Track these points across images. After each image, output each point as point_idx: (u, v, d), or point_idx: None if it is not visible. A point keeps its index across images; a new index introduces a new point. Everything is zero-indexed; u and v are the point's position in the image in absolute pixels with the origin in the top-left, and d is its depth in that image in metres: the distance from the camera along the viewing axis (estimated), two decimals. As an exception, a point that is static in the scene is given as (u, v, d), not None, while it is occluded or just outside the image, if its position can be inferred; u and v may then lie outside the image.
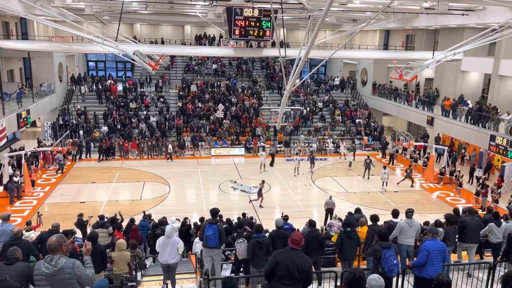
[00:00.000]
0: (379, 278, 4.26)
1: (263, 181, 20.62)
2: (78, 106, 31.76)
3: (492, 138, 22.45)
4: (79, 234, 13.28)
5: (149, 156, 28.17)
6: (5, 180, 20.78)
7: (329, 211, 17.73)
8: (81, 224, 14.37)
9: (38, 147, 25.48)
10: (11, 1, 19.04)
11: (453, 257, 9.69)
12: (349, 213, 13.15)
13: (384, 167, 23.50)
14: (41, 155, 25.45)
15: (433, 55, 20.87)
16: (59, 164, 24.45)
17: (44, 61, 30.64)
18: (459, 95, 27.75)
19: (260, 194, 19.99)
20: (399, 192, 22.63)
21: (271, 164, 27.00)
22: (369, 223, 9.78)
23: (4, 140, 23.79)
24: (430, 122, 28.21)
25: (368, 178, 24.50)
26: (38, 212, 16.28)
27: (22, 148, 24.16)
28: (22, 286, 4.95)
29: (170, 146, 27.81)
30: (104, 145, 27.38)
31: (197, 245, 10.58)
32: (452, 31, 28.06)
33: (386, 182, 22.73)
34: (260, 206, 19.80)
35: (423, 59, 22.09)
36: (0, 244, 8.15)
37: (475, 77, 28.97)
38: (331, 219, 16.86)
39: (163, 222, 13.48)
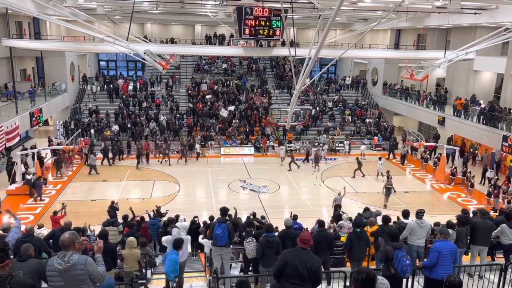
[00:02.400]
0: (383, 279, 4.26)
1: (389, 178, 20.95)
2: (89, 105, 32.06)
3: (505, 138, 22.17)
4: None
5: (165, 155, 26.99)
6: (18, 177, 21.08)
7: (337, 207, 17.92)
8: (114, 210, 15.61)
9: (48, 146, 25.76)
10: (24, 1, 19.30)
11: (465, 259, 9.60)
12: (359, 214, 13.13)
13: (380, 158, 24.97)
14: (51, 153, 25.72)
15: (444, 54, 20.70)
16: (90, 165, 24.40)
17: (57, 61, 30.97)
18: (471, 95, 27.45)
19: (388, 192, 20.32)
20: (410, 193, 22.47)
21: (306, 160, 27.34)
22: (380, 223, 9.72)
23: (17, 139, 24.11)
24: (441, 122, 27.95)
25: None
26: (63, 204, 16.59)
27: (34, 147, 24.47)
28: (35, 283, 5.02)
29: (197, 146, 27.78)
30: (117, 145, 27.19)
31: (207, 246, 10.61)
32: (464, 30, 27.77)
33: (382, 173, 23.88)
34: (385, 205, 19.82)
35: (435, 58, 21.92)
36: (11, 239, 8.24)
37: (487, 77, 28.63)
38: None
39: (173, 220, 13.57)
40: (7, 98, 26.91)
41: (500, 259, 10.06)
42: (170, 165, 26.33)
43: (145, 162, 26.37)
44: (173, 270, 7.61)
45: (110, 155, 26.53)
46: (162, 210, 15.42)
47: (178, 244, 8.18)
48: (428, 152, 27.58)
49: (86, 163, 25.83)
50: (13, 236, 8.42)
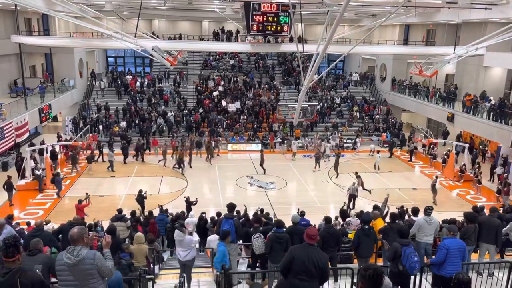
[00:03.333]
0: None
1: (436, 177, 21.10)
2: (98, 101, 32.24)
3: (515, 135, 21.92)
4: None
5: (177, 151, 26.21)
6: (27, 173, 21.28)
7: (352, 196, 18.88)
8: (141, 198, 17.24)
9: (57, 141, 25.95)
10: (34, -2, 19.39)
11: (474, 257, 9.52)
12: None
13: (378, 152, 26.35)
14: (62, 149, 25.92)
15: (454, 50, 20.50)
16: (109, 161, 24.39)
17: (65, 57, 31.20)
18: (481, 91, 27.16)
19: (434, 189, 20.38)
20: (418, 190, 22.33)
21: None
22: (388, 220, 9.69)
23: (27, 134, 24.35)
24: (451, 118, 27.70)
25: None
26: (87, 193, 17.15)
27: (42, 143, 24.67)
28: (44, 277, 5.07)
29: (213, 143, 27.73)
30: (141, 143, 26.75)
31: (211, 243, 10.63)
32: (475, 25, 27.45)
33: (378, 166, 25.12)
34: (434, 202, 19.82)
35: (444, 54, 21.72)
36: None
37: (498, 73, 28.29)
38: (353, 204, 18.69)
39: (180, 216, 13.66)
40: (17, 94, 27.15)
41: (509, 257, 9.99)
42: (191, 167, 25.02)
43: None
44: (221, 261, 7.87)
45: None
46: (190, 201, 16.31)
47: (224, 235, 8.32)
48: (436, 149, 27.36)
49: (100, 159, 25.93)
50: (7, 234, 8.45)
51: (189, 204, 16.32)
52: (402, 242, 6.95)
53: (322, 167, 25.53)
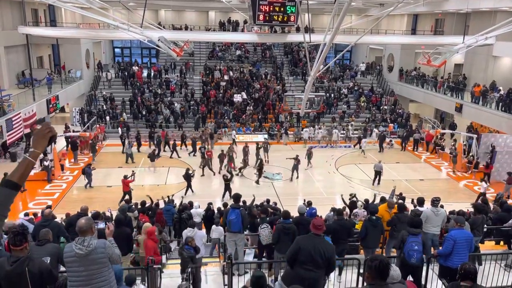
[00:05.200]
0: (393, 266, 4.25)
1: (454, 147, 22.55)
2: (104, 92, 32.30)
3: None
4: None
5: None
6: (36, 163, 21.44)
7: (377, 173, 20.70)
8: (188, 176, 18.80)
9: (65, 132, 26.09)
10: (40, -11, 19.40)
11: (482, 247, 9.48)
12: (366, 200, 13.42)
13: (365, 137, 27.73)
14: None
15: (463, 39, 20.24)
16: (126, 153, 24.39)
17: (72, 48, 31.21)
18: (490, 82, 26.83)
19: (455, 160, 21.86)
20: (425, 181, 22.24)
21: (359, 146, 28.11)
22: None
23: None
24: (459, 109, 27.42)
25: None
26: (133, 170, 18.49)
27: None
28: (53, 267, 5.13)
29: (234, 133, 27.61)
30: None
31: (214, 232, 10.66)
32: (484, 14, 27.06)
33: (364, 151, 26.33)
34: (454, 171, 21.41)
35: (453, 44, 21.45)
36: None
37: (507, 63, 27.91)
38: (379, 179, 20.75)
39: (187, 206, 13.72)
40: (25, 85, 27.30)
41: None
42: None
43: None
44: None
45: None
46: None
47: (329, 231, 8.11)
48: (443, 139, 27.15)
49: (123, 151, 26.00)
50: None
51: (228, 182, 18.21)
52: (410, 231, 6.96)
53: (329, 158, 25.46)
